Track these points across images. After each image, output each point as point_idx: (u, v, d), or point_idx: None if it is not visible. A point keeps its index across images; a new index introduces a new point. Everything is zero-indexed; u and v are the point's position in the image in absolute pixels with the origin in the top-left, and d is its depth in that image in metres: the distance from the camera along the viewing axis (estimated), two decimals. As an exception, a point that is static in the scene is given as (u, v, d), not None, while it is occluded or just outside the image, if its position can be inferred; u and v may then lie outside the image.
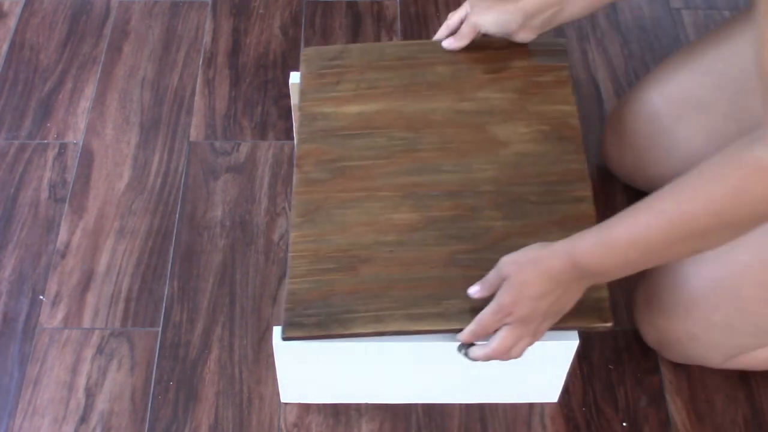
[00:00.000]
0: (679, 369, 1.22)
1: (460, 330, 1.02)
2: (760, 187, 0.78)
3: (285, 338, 1.03)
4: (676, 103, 1.24)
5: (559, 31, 1.64)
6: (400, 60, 1.24)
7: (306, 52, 1.26)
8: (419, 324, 1.02)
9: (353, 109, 1.20)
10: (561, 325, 1.02)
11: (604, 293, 1.03)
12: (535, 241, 1.00)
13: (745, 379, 1.22)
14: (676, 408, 1.19)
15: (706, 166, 0.83)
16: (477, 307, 1.02)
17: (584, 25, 1.64)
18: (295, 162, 1.15)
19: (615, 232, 0.90)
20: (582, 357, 1.23)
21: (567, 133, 1.16)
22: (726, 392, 1.20)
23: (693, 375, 1.22)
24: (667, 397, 1.20)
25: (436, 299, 1.04)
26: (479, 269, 1.04)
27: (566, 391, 1.20)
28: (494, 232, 1.08)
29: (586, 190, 1.11)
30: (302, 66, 1.25)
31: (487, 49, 1.24)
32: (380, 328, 1.02)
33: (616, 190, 1.39)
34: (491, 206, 1.10)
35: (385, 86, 1.22)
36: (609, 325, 1.02)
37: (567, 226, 1.08)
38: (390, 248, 1.08)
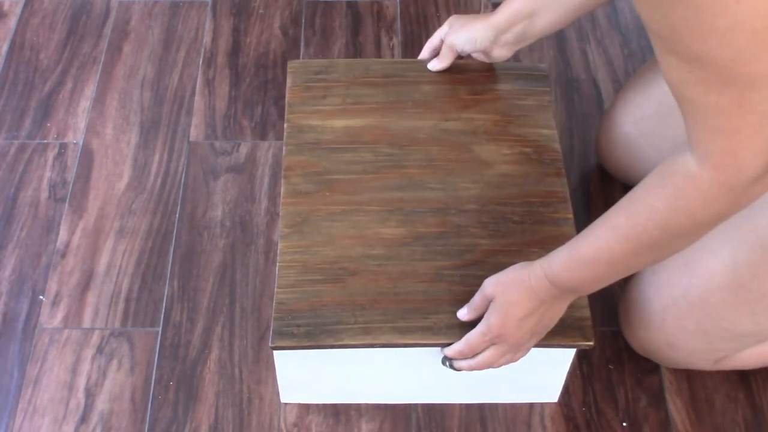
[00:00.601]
0: (679, 369, 1.22)
1: (448, 344, 1.04)
2: (692, 193, 0.80)
3: (273, 347, 1.04)
4: (660, 104, 1.25)
5: (559, 32, 1.64)
6: (385, 77, 1.26)
7: (292, 65, 1.28)
8: (407, 337, 1.04)
9: (340, 123, 1.21)
10: (545, 343, 1.04)
11: (586, 313, 1.06)
12: (518, 260, 1.03)
13: (745, 379, 1.22)
14: (676, 408, 1.19)
15: (648, 179, 0.85)
16: (464, 323, 1.04)
17: (584, 26, 1.64)
18: (282, 173, 1.17)
19: (581, 249, 0.92)
20: (582, 357, 1.23)
21: (548, 156, 1.19)
22: (726, 392, 1.20)
23: (693, 375, 1.22)
24: (667, 397, 1.20)
25: (423, 313, 1.05)
26: (465, 285, 1.07)
27: (566, 391, 1.20)
28: (479, 250, 1.10)
29: (567, 213, 1.14)
30: (289, 78, 1.26)
31: (472, 71, 1.27)
32: (369, 340, 1.04)
33: (615, 190, 1.39)
34: (475, 224, 1.12)
35: (371, 102, 1.24)
36: (591, 344, 1.05)
37: (548, 246, 1.10)
38: (377, 262, 1.09)
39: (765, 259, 1.02)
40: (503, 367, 1.08)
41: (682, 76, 0.74)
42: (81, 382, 1.20)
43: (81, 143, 1.45)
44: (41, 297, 1.28)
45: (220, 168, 1.42)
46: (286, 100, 1.24)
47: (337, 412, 1.18)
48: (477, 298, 1.02)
